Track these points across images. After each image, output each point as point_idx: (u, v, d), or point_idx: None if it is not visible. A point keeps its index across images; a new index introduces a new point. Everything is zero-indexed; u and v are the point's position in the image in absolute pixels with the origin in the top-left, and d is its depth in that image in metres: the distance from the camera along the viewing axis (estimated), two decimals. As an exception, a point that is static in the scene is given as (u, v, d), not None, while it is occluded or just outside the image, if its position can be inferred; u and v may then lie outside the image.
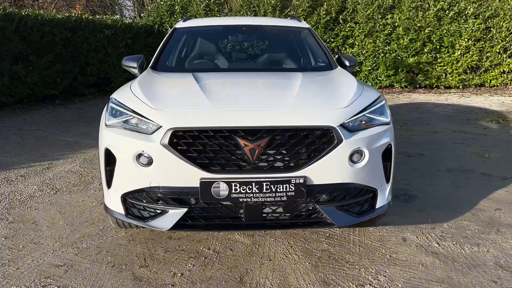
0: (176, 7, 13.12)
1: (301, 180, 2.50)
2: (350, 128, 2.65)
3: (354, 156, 2.63)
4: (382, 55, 12.24)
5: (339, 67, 3.99)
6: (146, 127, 2.63)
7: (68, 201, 4.01)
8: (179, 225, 2.58)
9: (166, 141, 2.50)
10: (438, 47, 12.10)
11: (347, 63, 4.08)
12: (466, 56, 11.96)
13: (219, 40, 4.94)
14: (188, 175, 2.51)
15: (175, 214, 2.57)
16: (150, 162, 2.56)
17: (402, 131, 6.94)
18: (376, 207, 2.80)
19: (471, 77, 12.27)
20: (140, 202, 2.67)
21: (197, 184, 2.50)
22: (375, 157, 2.70)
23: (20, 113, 8.98)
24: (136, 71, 3.96)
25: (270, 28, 4.72)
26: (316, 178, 2.55)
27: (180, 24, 4.64)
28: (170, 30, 4.52)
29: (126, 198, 2.71)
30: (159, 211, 2.62)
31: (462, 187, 4.29)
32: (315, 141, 2.55)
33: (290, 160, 2.55)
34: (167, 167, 2.53)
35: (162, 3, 13.63)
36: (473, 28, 11.66)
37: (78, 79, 11.08)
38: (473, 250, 3.04)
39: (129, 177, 2.65)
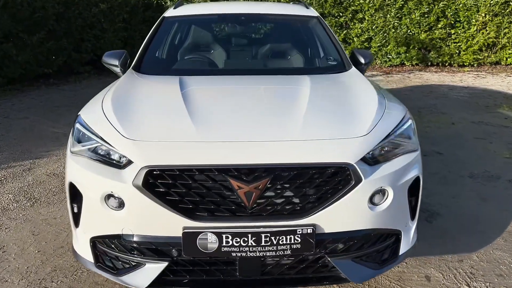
0: (175, -22, 12.36)
1: (309, 230, 2.01)
2: (371, 161, 2.14)
3: (376, 197, 2.13)
4: (393, 30, 11.56)
5: (353, 67, 3.43)
6: (117, 160, 2.14)
7: (44, 217, 3.55)
8: (158, 281, 2.10)
9: (139, 182, 2.00)
10: (452, 22, 11.41)
11: (362, 60, 3.51)
12: (483, 32, 11.26)
13: (214, 31, 4.30)
14: (168, 223, 2.02)
15: (153, 268, 2.09)
16: (121, 204, 2.08)
17: (417, 122, 6.33)
18: (400, 253, 2.31)
19: (486, 55, 11.61)
20: (112, 251, 2.20)
21: (179, 233, 2.02)
22: (400, 194, 2.20)
23: (10, 96, 8.47)
24: (118, 70, 3.41)
25: (272, 18, 4.12)
26: (328, 225, 2.06)
27: (170, 12, 4.04)
28: (158, 20, 3.92)
29: (96, 243, 2.23)
30: (134, 263, 2.15)
31: (489, 200, 3.81)
32: (328, 181, 2.05)
33: (295, 205, 2.06)
34: (142, 213, 2.04)
35: (160, -26, 12.85)
36: (491, 2, 10.92)
37: (73, 57, 10.52)
38: (511, 296, 2.57)
39: (98, 220, 2.17)
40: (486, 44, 11.41)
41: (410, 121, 2.46)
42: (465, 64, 11.73)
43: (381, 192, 2.14)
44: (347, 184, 2.04)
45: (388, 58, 11.85)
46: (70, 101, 8.18)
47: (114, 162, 2.14)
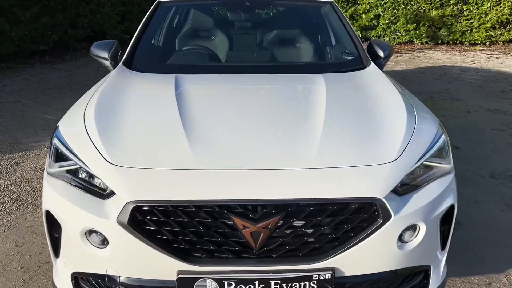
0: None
1: (328, 275, 1.71)
2: (401, 191, 1.81)
3: (406, 234, 1.81)
4: (403, 7, 11.06)
5: (372, 63, 3.03)
6: (100, 187, 1.81)
7: (30, 224, 3.26)
8: None
9: (124, 219, 1.67)
10: (465, -2, 10.91)
11: (381, 53, 3.10)
12: (496, 9, 10.76)
13: (215, 18, 3.84)
14: (160, 266, 1.72)
15: (144, 315, 1.79)
16: (105, 241, 1.76)
17: (430, 109, 5.99)
18: (429, 290, 2.01)
19: (499, 33, 11.14)
20: (96, 291, 1.89)
21: (173, 277, 1.71)
22: (433, 227, 1.88)
23: (3, 75, 8.08)
24: (107, 63, 3.02)
25: (280, 3, 3.70)
26: (349, 268, 1.75)
27: None
28: (152, 6, 3.49)
29: (78, 280, 1.93)
30: (122, 308, 1.85)
31: (514, 206, 3.49)
32: (350, 219, 1.72)
33: (311, 245, 1.74)
34: (129, 253, 1.73)
35: None
36: (507, -23, 10.39)
37: (69, 33, 10.07)
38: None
39: (79, 255, 1.86)
40: (499, 21, 10.92)
41: (443, 137, 2.12)
42: (477, 42, 11.27)
43: (412, 228, 1.82)
44: (374, 222, 1.72)
45: (396, 35, 11.38)
46: (64, 82, 7.80)
47: (96, 190, 1.82)
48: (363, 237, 1.72)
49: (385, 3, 11.12)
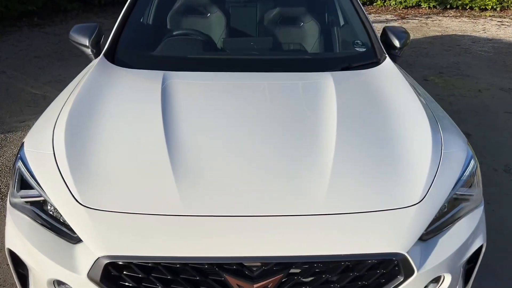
0: None
1: None
2: (425, 236, 1.53)
3: (429, 286, 1.54)
4: (411, -32, 10.49)
5: (387, 58, 2.66)
6: (69, 227, 1.52)
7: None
8: None
9: (97, 275, 1.40)
10: (477, -40, 10.32)
11: (396, 43, 2.72)
12: (510, -27, 10.22)
13: (210, 5, 3.32)
14: None
15: None
16: (75, 295, 1.50)
17: (439, 88, 5.70)
18: None
19: (511, -3, 10.61)
20: None
21: None
22: (458, 274, 1.62)
23: (-12, 41, 7.63)
24: (89, 51, 2.66)
25: None
26: (364, 332, 1.49)
27: None
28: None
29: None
30: None
31: (532, 209, 3.25)
32: (366, 276, 1.45)
33: (319, 306, 1.48)
34: None
35: None
36: None
37: (59, -8, 9.56)
38: None
39: (49, 304, 1.60)
40: (512, -15, 10.39)
41: (473, 162, 1.82)
42: (487, 8, 10.74)
43: (436, 279, 1.56)
44: (393, 279, 1.45)
45: (404, -1, 10.84)
46: (53, 48, 7.38)
47: (65, 230, 1.53)
48: None
49: (393, -36, 10.53)
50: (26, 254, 1.60)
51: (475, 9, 10.89)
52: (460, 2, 10.77)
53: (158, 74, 2.31)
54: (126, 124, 2.00)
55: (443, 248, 1.56)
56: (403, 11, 10.86)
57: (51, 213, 1.60)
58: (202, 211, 1.52)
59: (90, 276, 1.42)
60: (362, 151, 1.86)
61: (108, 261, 1.40)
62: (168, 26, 3.08)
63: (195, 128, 1.98)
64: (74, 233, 1.52)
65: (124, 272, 1.43)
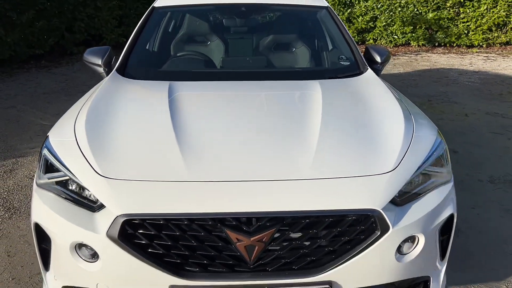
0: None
1: (325, 289, 1.66)
2: (399, 201, 1.77)
3: (404, 245, 1.76)
4: (399, 9, 11.03)
5: (369, 69, 3.00)
6: (90, 200, 1.76)
7: (23, 233, 3.21)
8: None
9: (114, 233, 1.63)
10: (462, 0, 10.85)
11: (377, 59, 3.06)
12: (493, 11, 10.75)
13: (210, 24, 3.80)
14: (151, 281, 1.68)
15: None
16: (95, 256, 1.71)
17: (428, 113, 5.97)
18: (429, 304, 1.97)
19: (496, 35, 11.11)
20: (87, 306, 1.84)
21: (165, 293, 1.66)
22: (432, 238, 1.85)
23: (-2, 80, 8.02)
24: (101, 70, 2.97)
25: (277, 9, 3.66)
26: (347, 281, 1.72)
27: (160, 2, 3.56)
28: (147, 11, 3.44)
29: (69, 294, 1.88)
30: (114, 323, 1.80)
31: (513, 211, 3.45)
32: (348, 231, 1.68)
33: (308, 258, 1.70)
34: (120, 268, 1.69)
35: None
36: (503, -21, 10.38)
37: (65, 37, 10.04)
38: None
39: (69, 269, 1.81)
40: (496, 23, 10.90)
41: (443, 144, 2.08)
42: (474, 44, 11.24)
43: (411, 239, 1.78)
44: (372, 234, 1.68)
45: (393, 38, 11.35)
46: (60, 86, 7.77)
47: (86, 202, 1.77)
48: (360, 250, 1.69)
49: (382, 5, 11.09)
50: (51, 223, 1.82)
51: (462, 47, 11.39)
52: (447, 39, 11.27)
53: (164, 83, 2.60)
54: (137, 114, 2.33)
55: (415, 212, 1.79)
56: (393, 49, 11.36)
57: (73, 189, 1.84)
58: (204, 178, 1.77)
59: (109, 235, 1.65)
60: (343, 131, 2.16)
61: (125, 219, 1.63)
62: (172, 51, 3.43)
63: (198, 115, 2.30)
64: (94, 203, 1.76)
65: (139, 231, 1.66)
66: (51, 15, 9.50)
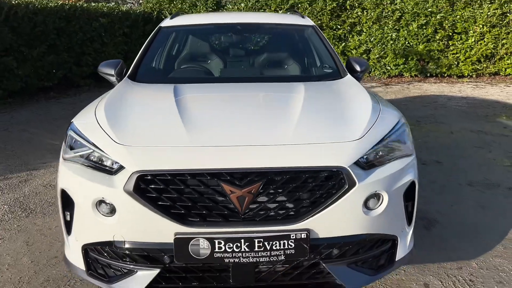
0: (176, -8, 12.48)
1: (303, 235, 1.99)
2: (365, 165, 2.12)
3: (370, 201, 2.10)
4: (391, 42, 11.60)
5: (348, 74, 3.42)
6: (109, 166, 2.12)
7: (39, 228, 3.52)
8: None
9: (130, 187, 1.98)
10: (450, 33, 11.45)
11: (357, 68, 3.50)
12: (480, 43, 11.31)
13: (211, 41, 4.32)
14: (159, 229, 2.00)
15: (145, 275, 2.06)
16: (113, 210, 2.05)
17: (416, 131, 6.38)
18: (396, 259, 2.28)
19: (485, 65, 11.63)
20: (103, 258, 2.17)
21: (171, 239, 1.99)
22: (395, 199, 2.18)
23: (10, 109, 8.46)
24: (113, 79, 3.41)
25: (268, 27, 4.13)
26: (322, 230, 2.03)
27: (166, 22, 4.07)
28: (154, 30, 3.94)
29: (88, 251, 2.20)
30: (126, 271, 2.12)
31: (488, 208, 3.76)
32: (321, 185, 2.02)
33: (289, 209, 2.03)
34: (134, 219, 2.02)
35: (161, -12, 12.99)
36: (488, 13, 10.99)
37: (73, 70, 10.53)
38: (511, 303, 2.52)
39: (90, 227, 2.15)
40: (484, 54, 11.43)
41: (404, 126, 2.44)
42: (464, 75, 11.74)
43: (376, 196, 2.11)
44: (341, 188, 2.02)
45: (386, 69, 11.87)
46: (69, 113, 8.15)
47: (106, 168, 2.13)
48: (332, 201, 2.01)
49: (374, 39, 11.67)
50: (76, 186, 2.15)
51: (453, 77, 11.89)
52: (438, 70, 11.78)
53: (171, 85, 3.02)
54: (146, 101, 2.80)
55: (379, 174, 2.12)
56: (387, 80, 11.87)
57: (95, 160, 2.20)
58: (203, 143, 2.12)
59: (125, 189, 1.98)
60: (320, 111, 2.57)
61: (138, 174, 1.96)
62: (177, 63, 3.89)
63: (198, 99, 2.79)
64: (112, 169, 2.10)
65: (150, 186, 1.99)
66: (60, 49, 10.05)
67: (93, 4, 12.16)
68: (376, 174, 2.11)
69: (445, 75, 11.87)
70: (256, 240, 1.96)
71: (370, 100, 2.66)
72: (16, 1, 9.23)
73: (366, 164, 2.13)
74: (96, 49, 10.95)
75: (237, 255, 1.98)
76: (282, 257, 2.00)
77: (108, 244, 2.10)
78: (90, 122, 2.40)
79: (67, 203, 2.23)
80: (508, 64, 11.47)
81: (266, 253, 1.98)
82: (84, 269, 2.21)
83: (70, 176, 2.19)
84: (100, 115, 2.44)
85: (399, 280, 2.74)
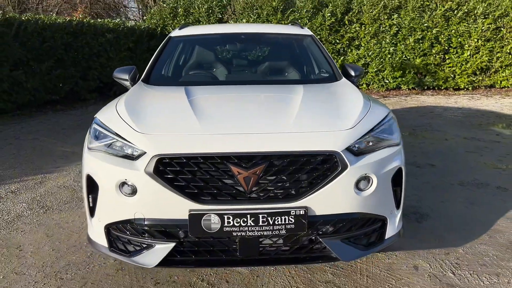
0: (179, 9, 12.92)
1: (302, 212, 2.25)
2: (356, 152, 2.39)
3: (361, 183, 2.37)
4: (389, 56, 11.95)
5: (343, 78, 3.72)
6: (131, 152, 2.40)
7: (57, 222, 3.78)
8: (166, 261, 2.33)
9: (150, 169, 2.25)
10: (446, 47, 11.80)
11: (352, 73, 3.80)
12: (476, 57, 11.66)
13: (217, 49, 4.68)
14: (175, 207, 2.26)
15: (162, 249, 2.33)
16: (134, 191, 2.32)
17: (411, 138, 6.66)
18: (386, 238, 2.54)
19: (480, 78, 11.96)
20: (124, 235, 2.43)
21: (185, 216, 2.26)
22: (384, 182, 2.44)
23: (19, 121, 8.77)
24: (128, 83, 3.72)
25: (270, 36, 4.47)
26: (318, 208, 2.30)
27: (175, 33, 4.41)
28: (165, 40, 4.29)
29: (110, 230, 2.47)
30: (145, 245, 2.38)
31: (477, 204, 4.01)
32: (317, 168, 2.30)
33: (289, 189, 2.30)
34: (153, 198, 2.29)
35: (165, 5, 13.42)
36: (482, 28, 11.36)
37: (80, 84, 10.90)
38: (493, 281, 2.77)
39: (112, 207, 2.42)
40: (479, 67, 11.76)
41: (392, 120, 2.73)
42: (461, 87, 12.06)
43: (366, 179, 2.38)
44: (335, 170, 2.29)
45: (385, 82, 12.20)
46: (76, 123, 8.49)
47: (128, 155, 2.41)
48: (327, 182, 2.28)
49: (372, 53, 12.03)
50: (100, 171, 2.42)
51: (450, 89, 12.22)
52: (435, 83, 12.10)
53: (181, 87, 3.32)
54: (161, 98, 3.14)
55: (368, 159, 2.38)
56: (385, 92, 12.19)
57: (117, 148, 2.48)
58: (214, 132, 2.41)
59: (146, 171, 2.25)
60: (317, 106, 2.88)
61: (158, 158, 2.24)
62: (186, 68, 4.22)
63: (208, 96, 3.11)
64: (133, 155, 2.38)
65: (168, 168, 2.26)
66: (67, 64, 10.40)
67: (99, 20, 12.60)
68: (366, 159, 2.38)
69: (442, 87, 12.19)
70: (260, 216, 2.23)
71: (362, 97, 2.96)
72: (26, 17, 9.63)
73: (357, 151, 2.40)
74: (102, 63, 11.31)
75: (243, 229, 2.24)
76: (283, 231, 2.26)
77: (129, 222, 2.36)
78: (113, 115, 2.69)
79: (92, 187, 2.50)
80: (503, 77, 11.81)
81: (269, 227, 2.25)
82: (106, 246, 2.48)
83: (95, 163, 2.47)
84: (121, 109, 2.74)
85: (391, 263, 2.98)
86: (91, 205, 2.55)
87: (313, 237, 2.37)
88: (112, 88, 11.48)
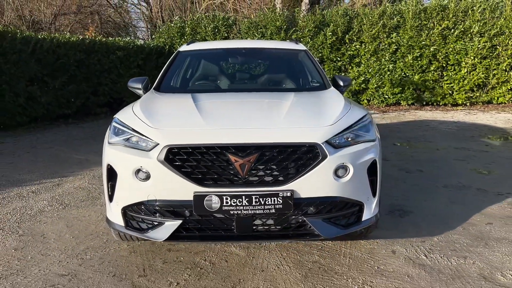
0: (186, 28, 13.53)
1: (288, 194, 2.67)
2: (335, 145, 2.81)
3: (339, 171, 2.78)
4: (388, 73, 12.38)
5: (332, 87, 4.16)
6: (145, 145, 2.83)
7: (75, 216, 4.20)
8: (174, 236, 2.75)
9: (162, 157, 2.69)
10: (444, 65, 12.22)
11: (341, 83, 4.25)
12: (473, 74, 12.05)
13: (220, 62, 5.20)
14: (182, 189, 2.69)
15: (170, 225, 2.74)
16: (148, 177, 2.75)
17: (405, 148, 7.05)
18: (362, 220, 2.94)
19: (478, 94, 12.32)
20: (138, 215, 2.86)
21: (191, 197, 2.68)
22: (360, 172, 2.85)
23: (35, 132, 9.26)
24: (141, 92, 4.20)
25: (268, 51, 4.95)
26: (303, 191, 2.71)
27: (183, 48, 4.90)
28: (174, 54, 4.79)
29: (126, 211, 2.89)
30: (156, 223, 2.80)
31: (457, 203, 4.39)
32: (302, 157, 2.72)
33: (278, 175, 2.72)
34: (163, 182, 2.71)
35: (172, 25, 14.06)
36: (478, 46, 11.77)
37: (91, 99, 11.43)
38: (460, 262, 3.14)
39: (129, 192, 2.84)
40: (477, 84, 12.16)
41: (369, 119, 3.15)
42: (458, 103, 12.44)
43: (343, 168, 2.80)
44: (316, 159, 2.72)
45: (384, 98, 12.62)
46: (89, 135, 8.96)
47: (143, 147, 2.84)
48: (309, 169, 2.70)
49: (372, 70, 12.49)
50: (119, 160, 2.85)
51: (448, 105, 12.61)
52: (434, 99, 12.51)
53: (188, 94, 3.78)
54: (170, 101, 3.60)
55: (345, 151, 2.79)
56: (385, 108, 12.61)
57: (134, 142, 2.92)
58: (216, 126, 2.85)
59: (158, 159, 2.68)
60: (304, 107, 3.34)
61: (168, 148, 2.67)
62: (193, 79, 4.71)
63: (211, 99, 3.55)
64: (147, 147, 2.81)
65: (176, 156, 2.69)
66: (80, 80, 10.94)
67: (111, 38, 13.20)
68: (344, 151, 2.80)
69: (440, 103, 12.58)
70: (253, 197, 2.65)
71: (343, 101, 3.40)
72: (42, 36, 10.22)
73: (337, 144, 2.83)
74: (113, 80, 11.87)
75: (239, 208, 2.66)
76: (273, 210, 2.68)
77: (143, 203, 2.79)
78: (130, 115, 3.15)
79: (111, 175, 2.93)
80: (500, 93, 12.17)
81: (261, 207, 2.66)
82: (123, 225, 2.91)
83: (114, 154, 2.91)
84: (137, 110, 3.20)
85: (372, 248, 3.37)
86: (109, 192, 2.97)
87: (299, 217, 2.77)
88: (122, 103, 11.96)
